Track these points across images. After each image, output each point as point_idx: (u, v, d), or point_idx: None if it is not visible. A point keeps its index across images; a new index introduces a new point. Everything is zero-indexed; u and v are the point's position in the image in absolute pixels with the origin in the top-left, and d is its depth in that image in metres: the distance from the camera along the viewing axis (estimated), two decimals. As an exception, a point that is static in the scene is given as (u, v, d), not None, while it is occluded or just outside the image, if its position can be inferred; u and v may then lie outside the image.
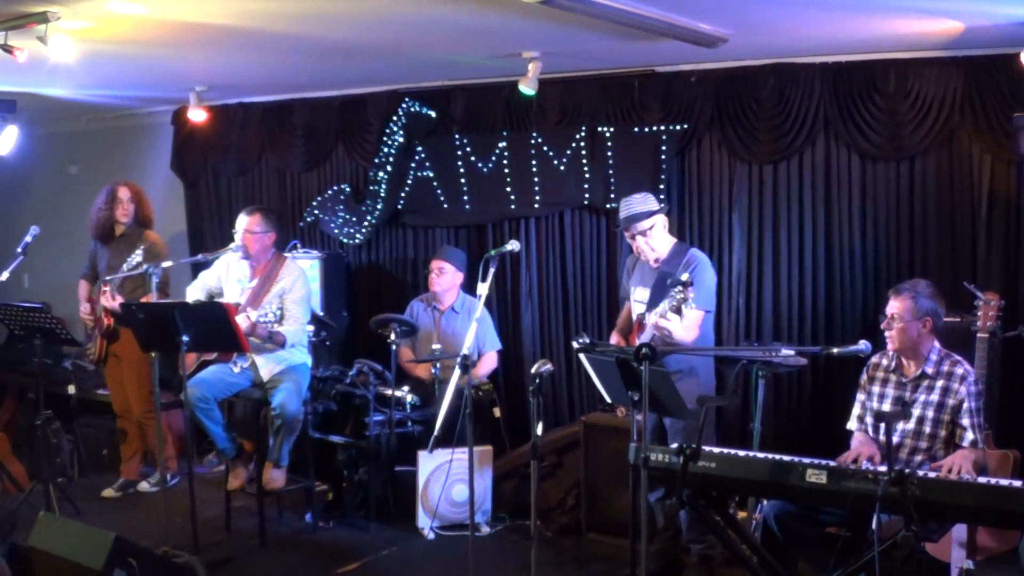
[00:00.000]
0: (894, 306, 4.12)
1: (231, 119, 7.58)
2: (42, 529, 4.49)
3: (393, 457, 5.77)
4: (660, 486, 4.66)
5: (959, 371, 4.09)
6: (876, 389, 4.27)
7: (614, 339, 5.17)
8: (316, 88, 7.09)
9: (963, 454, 3.89)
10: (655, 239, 4.91)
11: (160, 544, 4.97)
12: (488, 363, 6.25)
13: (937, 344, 4.17)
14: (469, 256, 6.60)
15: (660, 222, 4.92)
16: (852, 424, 4.36)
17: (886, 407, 4.16)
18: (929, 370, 4.12)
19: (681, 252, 4.93)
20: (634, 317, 5.09)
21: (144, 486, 6.49)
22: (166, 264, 5.56)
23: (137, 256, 5.97)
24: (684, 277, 4.52)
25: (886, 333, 4.15)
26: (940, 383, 4.10)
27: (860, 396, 4.35)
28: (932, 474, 3.73)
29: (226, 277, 5.80)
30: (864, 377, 4.34)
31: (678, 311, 4.51)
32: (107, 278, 6.12)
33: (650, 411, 3.86)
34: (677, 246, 5.00)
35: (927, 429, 4.09)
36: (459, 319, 6.22)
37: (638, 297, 5.03)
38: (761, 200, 5.80)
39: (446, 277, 6.21)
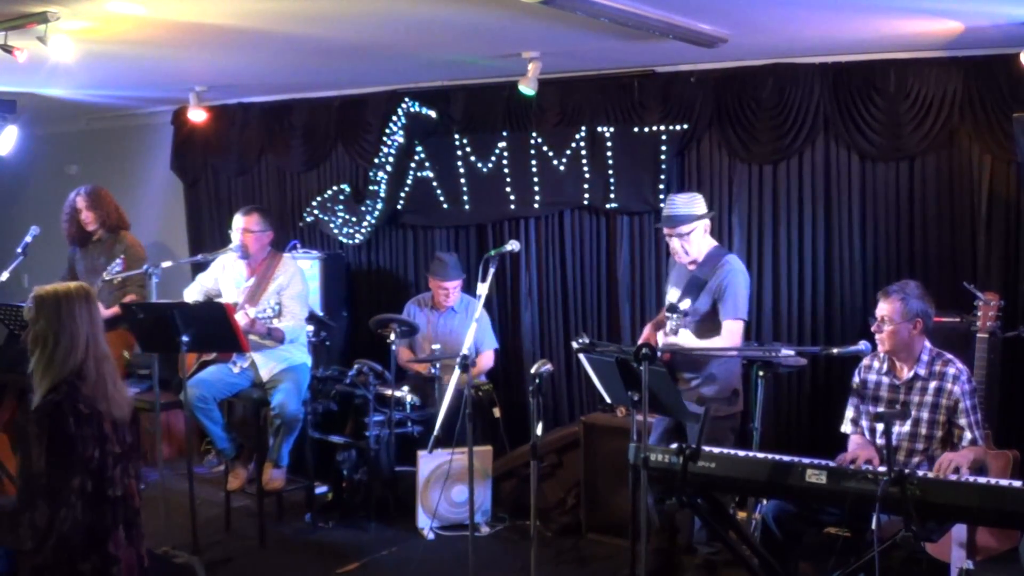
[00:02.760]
0: (884, 308, 4.10)
1: (231, 119, 7.58)
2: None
3: (393, 457, 5.77)
4: (658, 488, 4.65)
5: (951, 371, 4.08)
6: (870, 392, 4.26)
7: (647, 331, 5.12)
8: (316, 88, 7.09)
9: (962, 453, 3.88)
10: (693, 243, 4.82)
11: (160, 544, 4.96)
12: (485, 362, 6.25)
13: (928, 344, 4.16)
14: (469, 256, 6.62)
15: (702, 226, 4.83)
16: (846, 427, 4.35)
17: (881, 410, 4.15)
18: (922, 371, 4.12)
19: (717, 257, 4.84)
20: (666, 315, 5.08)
21: None
22: (166, 264, 5.55)
23: (117, 265, 6.01)
24: (682, 306, 4.55)
25: (876, 336, 4.14)
26: (933, 384, 4.09)
27: (853, 399, 4.34)
28: (930, 474, 3.73)
29: (223, 278, 5.80)
30: (856, 380, 4.33)
31: (675, 332, 4.58)
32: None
33: (650, 412, 3.86)
34: (715, 250, 4.90)
35: (923, 431, 4.09)
36: (458, 318, 6.23)
37: (671, 297, 5.00)
38: (761, 200, 5.80)
39: (456, 292, 6.23)
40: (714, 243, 4.96)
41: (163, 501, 5.29)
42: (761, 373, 4.56)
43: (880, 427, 4.07)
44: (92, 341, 3.22)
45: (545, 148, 6.35)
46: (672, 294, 4.97)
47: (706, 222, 4.86)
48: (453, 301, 6.24)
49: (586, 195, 6.28)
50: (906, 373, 4.15)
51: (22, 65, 4.74)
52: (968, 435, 3.99)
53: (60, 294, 3.22)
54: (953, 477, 3.66)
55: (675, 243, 4.85)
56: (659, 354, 4.23)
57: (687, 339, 4.61)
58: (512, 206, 6.51)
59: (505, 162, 6.49)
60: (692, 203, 4.84)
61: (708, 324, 4.77)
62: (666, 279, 5.26)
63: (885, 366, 4.22)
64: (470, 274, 6.37)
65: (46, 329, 3.17)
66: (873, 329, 4.15)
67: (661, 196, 5.83)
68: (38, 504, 3.00)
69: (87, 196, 6.25)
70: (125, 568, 3.21)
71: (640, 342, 5.05)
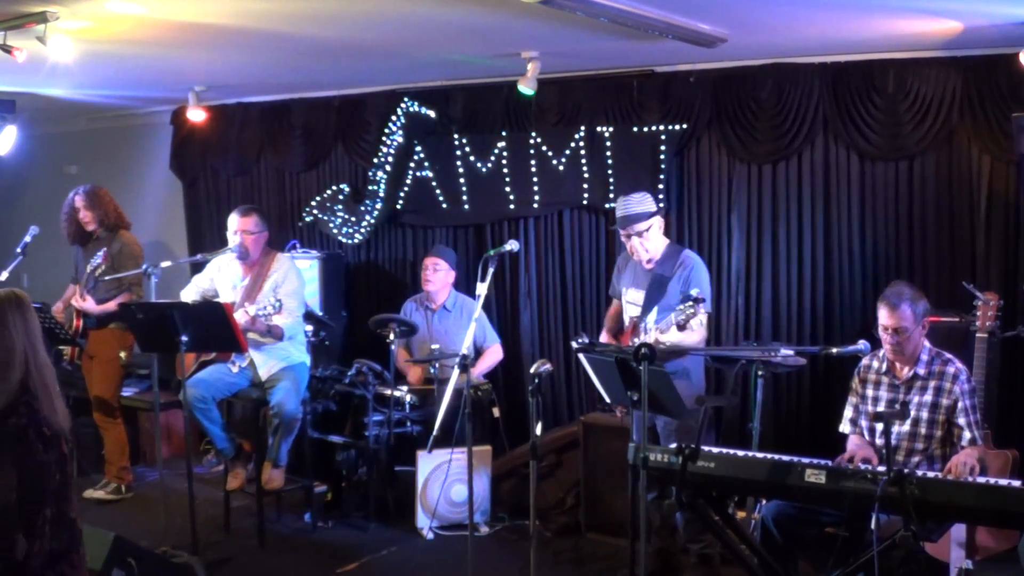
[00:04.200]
0: (892, 319, 4.02)
1: (230, 119, 7.58)
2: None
3: (392, 457, 5.78)
4: (655, 486, 4.65)
5: (951, 370, 4.07)
6: (869, 392, 4.26)
7: (604, 339, 5.15)
8: (315, 88, 7.08)
9: (969, 452, 3.88)
10: (651, 240, 4.89)
11: (159, 544, 4.97)
12: (493, 355, 6.25)
13: (928, 344, 4.15)
14: (468, 256, 6.61)
15: (657, 223, 4.91)
16: (844, 427, 4.34)
17: (880, 410, 4.15)
18: (921, 371, 4.11)
19: (674, 254, 4.91)
20: (626, 319, 5.07)
21: (99, 494, 6.28)
22: (165, 264, 5.54)
23: (98, 259, 5.99)
24: (694, 292, 4.43)
25: (889, 344, 4.07)
26: (933, 383, 4.09)
27: (852, 399, 4.34)
28: (930, 474, 3.72)
29: (219, 279, 5.79)
30: (856, 380, 4.32)
31: (683, 327, 4.48)
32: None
33: (649, 411, 3.86)
34: (670, 247, 4.98)
35: (923, 430, 4.09)
36: (452, 317, 6.22)
37: (630, 299, 5.01)
38: (760, 200, 5.80)
39: (440, 274, 6.20)
40: (667, 240, 5.03)
41: (162, 501, 5.29)
42: (760, 373, 4.56)
43: (880, 427, 4.07)
44: (31, 351, 2.95)
45: (544, 148, 6.35)
46: (632, 295, 4.99)
47: (660, 219, 4.93)
48: (435, 284, 6.20)
49: (585, 195, 6.28)
50: (906, 373, 4.14)
51: (21, 65, 4.74)
52: (967, 434, 3.99)
53: None
54: (952, 477, 3.66)
55: (634, 242, 4.89)
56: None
57: (697, 329, 4.58)
58: (511, 206, 6.51)
59: (504, 162, 6.49)
60: (645, 201, 4.91)
61: None
62: (613, 283, 5.27)
63: (885, 366, 4.22)
64: (469, 274, 6.37)
65: None
66: (887, 340, 4.08)
67: (661, 196, 5.83)
68: (16, 539, 2.76)
69: (86, 196, 6.24)
70: None
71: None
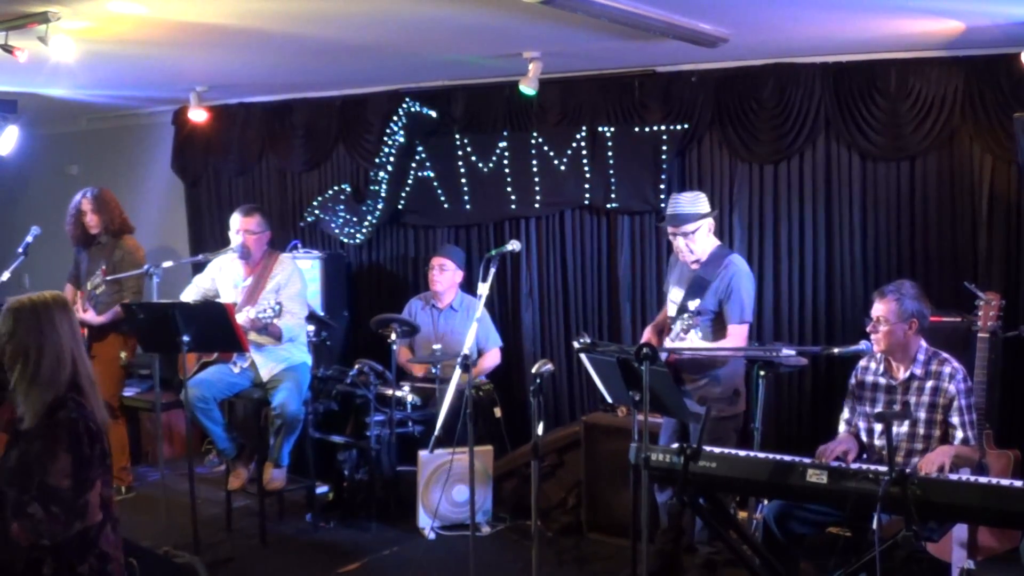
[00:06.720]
0: (879, 308, 4.10)
1: (232, 119, 7.58)
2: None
3: (394, 457, 5.77)
4: (669, 487, 4.65)
5: (947, 370, 4.08)
6: (867, 393, 4.26)
7: (647, 334, 5.11)
8: (317, 88, 7.09)
9: (942, 449, 3.88)
10: (697, 242, 4.80)
11: (160, 544, 4.98)
12: (491, 359, 6.25)
13: (924, 344, 4.16)
14: (469, 256, 6.61)
15: (707, 225, 4.81)
16: (840, 428, 4.36)
17: (881, 410, 4.15)
18: (918, 371, 4.11)
19: (721, 257, 4.82)
20: (669, 317, 5.06)
21: None
22: (166, 264, 5.55)
23: (96, 278, 6.02)
24: (692, 306, 4.53)
25: (872, 336, 4.14)
26: (930, 383, 4.09)
27: (848, 400, 4.35)
28: (932, 474, 3.72)
29: (220, 279, 5.80)
30: (853, 381, 4.33)
31: (686, 332, 4.59)
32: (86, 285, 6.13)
33: (651, 411, 3.86)
34: (719, 250, 4.88)
35: (921, 430, 4.09)
36: (458, 317, 6.22)
37: (673, 297, 4.98)
38: (761, 200, 5.80)
39: (447, 274, 6.21)
40: (717, 242, 4.94)
41: (164, 501, 5.30)
42: (762, 373, 4.56)
43: (879, 427, 4.07)
44: (77, 352, 3.10)
45: (546, 148, 6.35)
46: (675, 293, 4.96)
47: (710, 221, 4.85)
48: (442, 284, 6.21)
49: (587, 195, 6.27)
50: (902, 373, 4.15)
51: (23, 65, 4.74)
52: (960, 434, 3.99)
53: (37, 304, 3.06)
54: (954, 477, 3.66)
55: (680, 242, 4.83)
56: (664, 356, 4.23)
57: (695, 340, 4.60)
58: (513, 206, 6.51)
59: (506, 162, 6.49)
60: (696, 202, 4.83)
61: (718, 324, 4.77)
62: (666, 279, 5.25)
63: (882, 367, 4.22)
64: (471, 274, 6.37)
65: (26, 343, 3.01)
66: (868, 329, 4.15)
67: (662, 196, 5.84)
68: (73, 522, 2.98)
69: (93, 199, 6.24)
70: (117, 566, 3.20)
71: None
